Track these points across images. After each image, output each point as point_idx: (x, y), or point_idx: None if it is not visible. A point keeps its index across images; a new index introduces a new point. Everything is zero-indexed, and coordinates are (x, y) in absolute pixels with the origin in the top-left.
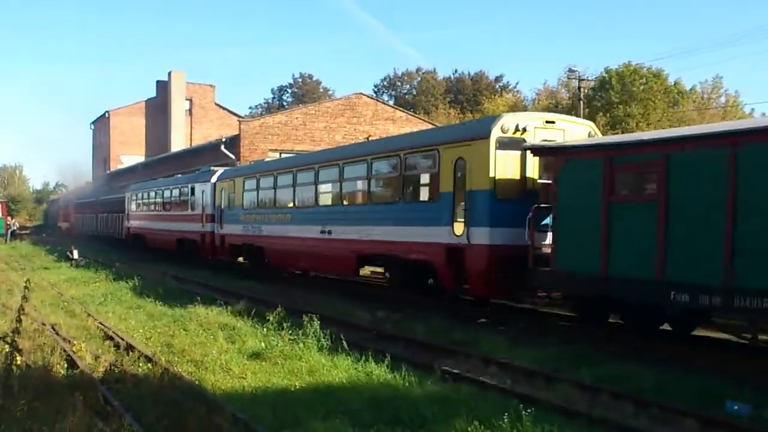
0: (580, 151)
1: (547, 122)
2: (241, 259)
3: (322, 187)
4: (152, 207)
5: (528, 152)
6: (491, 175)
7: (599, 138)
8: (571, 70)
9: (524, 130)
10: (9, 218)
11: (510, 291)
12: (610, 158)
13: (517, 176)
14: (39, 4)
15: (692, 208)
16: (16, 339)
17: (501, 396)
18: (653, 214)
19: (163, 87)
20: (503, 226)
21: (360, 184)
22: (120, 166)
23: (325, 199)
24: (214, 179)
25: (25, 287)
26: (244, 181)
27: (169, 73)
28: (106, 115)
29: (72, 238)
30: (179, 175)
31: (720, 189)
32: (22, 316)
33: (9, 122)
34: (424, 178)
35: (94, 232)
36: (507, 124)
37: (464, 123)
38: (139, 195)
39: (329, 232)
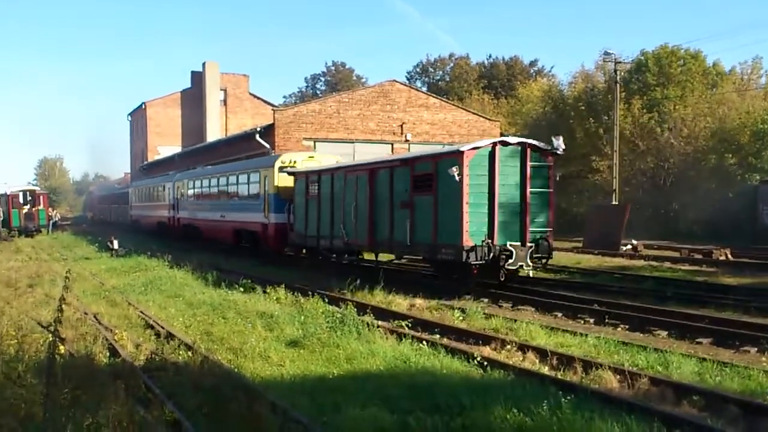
0: (298, 174)
1: (309, 157)
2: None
3: (221, 189)
4: (144, 199)
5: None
6: (275, 185)
7: (304, 168)
8: (606, 53)
9: (295, 162)
10: (50, 209)
11: (283, 247)
12: (307, 177)
13: (290, 186)
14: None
15: (324, 203)
16: (58, 328)
17: (539, 383)
18: (316, 204)
19: (197, 78)
20: (281, 213)
21: (236, 188)
22: (157, 157)
23: (222, 196)
24: (174, 179)
25: (66, 278)
26: (188, 182)
27: (204, 64)
28: (143, 106)
29: (95, 226)
30: (159, 176)
31: (329, 194)
32: (63, 306)
33: (50, 115)
34: (256, 186)
35: (109, 219)
36: (284, 158)
37: (267, 157)
38: (137, 190)
39: (224, 216)
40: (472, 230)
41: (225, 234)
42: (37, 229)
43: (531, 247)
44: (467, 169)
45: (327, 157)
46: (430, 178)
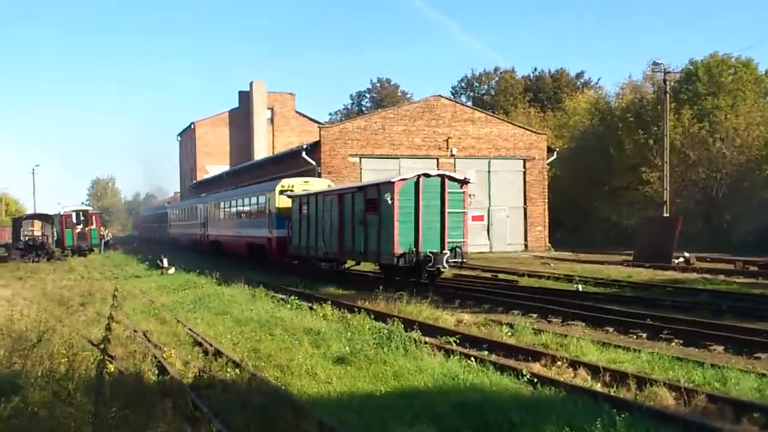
0: (293, 196)
1: (304, 182)
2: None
3: (237, 209)
4: (180, 219)
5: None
6: (277, 206)
7: (299, 192)
8: (655, 63)
9: (293, 186)
10: (102, 229)
11: (284, 257)
12: (300, 199)
13: (288, 207)
14: (132, 22)
15: (311, 221)
16: (107, 346)
17: (592, 400)
18: (306, 222)
19: (245, 97)
20: (282, 228)
21: (248, 208)
22: (206, 176)
23: (238, 216)
24: (204, 201)
25: (114, 296)
26: (214, 204)
27: (251, 84)
28: (192, 126)
29: (144, 244)
30: (192, 199)
31: (315, 213)
32: (112, 324)
33: (103, 136)
34: (263, 206)
35: (152, 238)
36: (284, 183)
37: (270, 182)
38: (174, 211)
39: (239, 233)
40: (401, 241)
41: (240, 247)
42: (90, 249)
43: (447, 253)
44: (398, 195)
45: (320, 181)
46: (376, 201)
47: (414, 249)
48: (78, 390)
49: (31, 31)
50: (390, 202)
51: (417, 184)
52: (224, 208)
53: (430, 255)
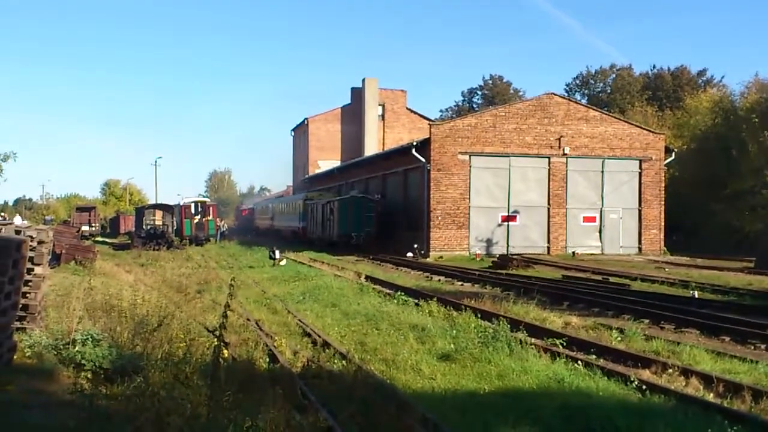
0: (307, 203)
1: (319, 194)
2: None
3: (286, 209)
4: (260, 214)
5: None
6: (302, 208)
7: (314, 201)
8: None
9: (314, 197)
10: (218, 220)
11: (306, 238)
12: (310, 204)
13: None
14: (249, 21)
15: (313, 217)
16: (223, 333)
17: (703, 411)
18: (312, 218)
19: (357, 94)
20: (305, 221)
21: (293, 208)
22: (317, 171)
23: (287, 213)
24: (272, 203)
25: (231, 285)
26: (277, 205)
27: (363, 80)
28: (305, 122)
29: (258, 236)
30: (266, 200)
31: (315, 213)
32: (228, 312)
33: (224, 130)
34: (298, 208)
35: (243, 227)
36: (306, 195)
37: (298, 194)
38: (257, 208)
39: (288, 224)
40: (339, 228)
41: (288, 233)
42: (207, 239)
43: (363, 235)
44: (338, 206)
45: (329, 195)
46: (333, 209)
47: (345, 232)
48: (195, 373)
49: (154, 30)
50: (334, 209)
51: (349, 200)
52: (281, 208)
53: (353, 235)
